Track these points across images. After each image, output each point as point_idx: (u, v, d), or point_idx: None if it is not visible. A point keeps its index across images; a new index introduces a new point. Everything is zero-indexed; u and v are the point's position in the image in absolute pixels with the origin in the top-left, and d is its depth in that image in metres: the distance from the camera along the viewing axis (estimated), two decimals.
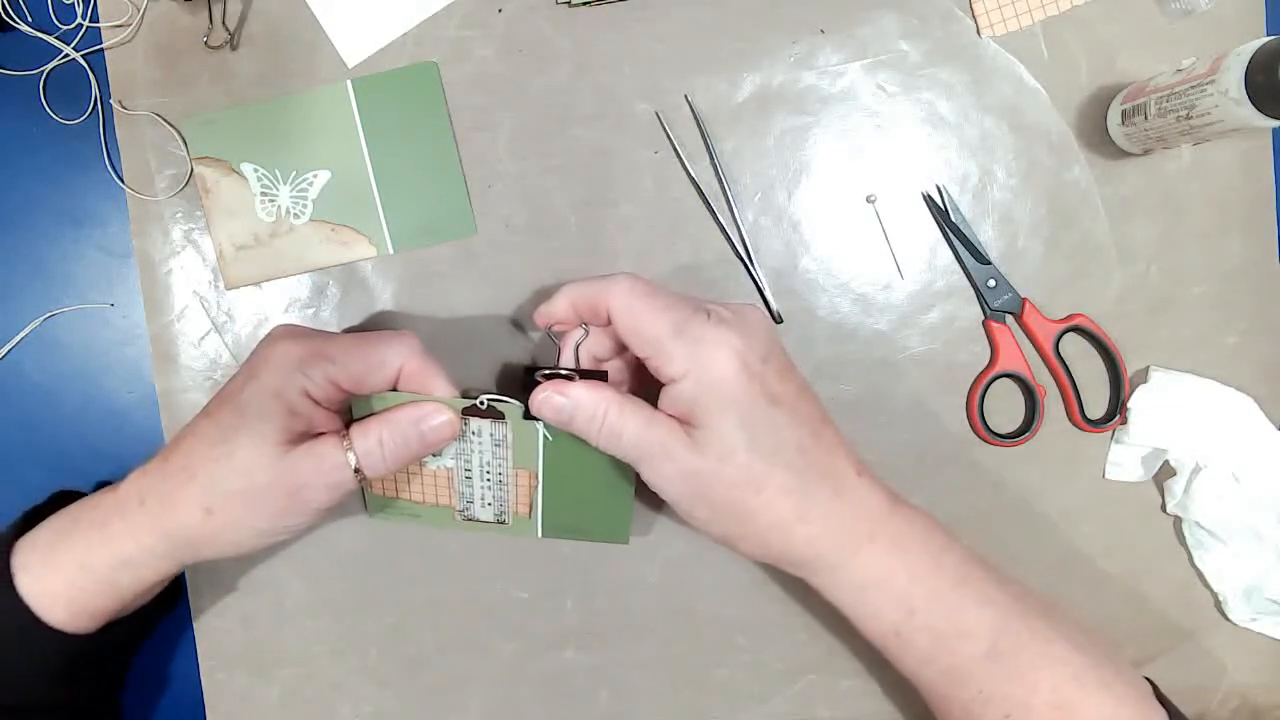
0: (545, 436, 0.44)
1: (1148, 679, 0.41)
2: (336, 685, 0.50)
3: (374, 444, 0.40)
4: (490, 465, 0.46)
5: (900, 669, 0.42)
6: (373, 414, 0.42)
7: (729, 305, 0.41)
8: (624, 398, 0.39)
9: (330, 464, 0.40)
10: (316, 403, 0.40)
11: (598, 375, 0.41)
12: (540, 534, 0.47)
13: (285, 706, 0.50)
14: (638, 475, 0.41)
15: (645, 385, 0.41)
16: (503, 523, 0.47)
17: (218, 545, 0.40)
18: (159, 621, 0.49)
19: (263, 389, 0.39)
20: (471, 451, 0.45)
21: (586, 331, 0.42)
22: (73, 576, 0.41)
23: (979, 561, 0.41)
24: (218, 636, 0.50)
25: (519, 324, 0.49)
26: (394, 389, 0.42)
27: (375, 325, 0.49)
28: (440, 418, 0.41)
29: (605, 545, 0.49)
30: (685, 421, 0.39)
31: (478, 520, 0.47)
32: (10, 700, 0.42)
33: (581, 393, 0.39)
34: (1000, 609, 0.40)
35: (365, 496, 0.48)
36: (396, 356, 0.41)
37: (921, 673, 0.41)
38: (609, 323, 0.40)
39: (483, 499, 0.47)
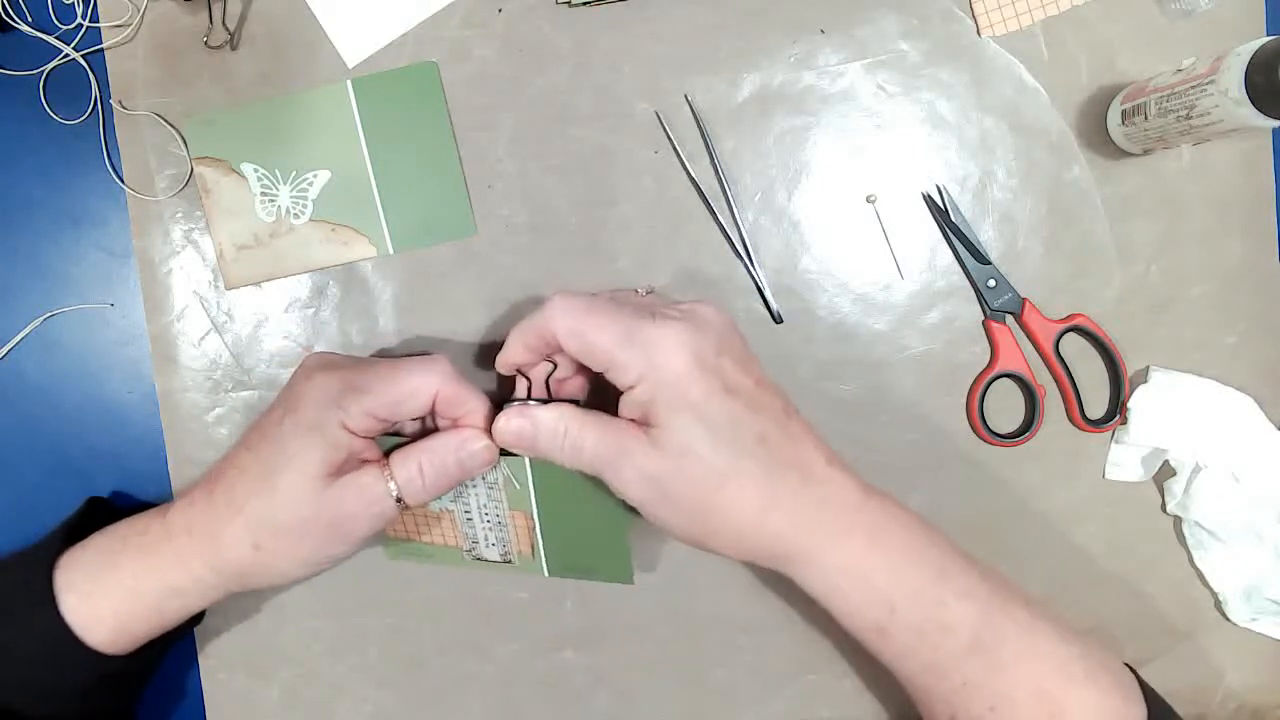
0: (532, 479, 0.43)
1: (1128, 665, 0.41)
2: (336, 685, 0.50)
3: (414, 472, 0.40)
4: (487, 507, 0.45)
5: (881, 660, 0.41)
6: (411, 442, 0.42)
7: (679, 304, 0.40)
8: (584, 412, 0.39)
9: (373, 494, 0.40)
10: (354, 434, 0.40)
11: (571, 404, 0.41)
12: (547, 573, 0.47)
13: (285, 706, 0.50)
14: (636, 514, 0.40)
15: (611, 400, 0.40)
16: (509, 562, 0.47)
17: (266, 577, 0.41)
18: (184, 637, 0.49)
19: (301, 424, 0.40)
20: (469, 494, 0.45)
21: (555, 365, 0.42)
22: (120, 601, 0.41)
23: (958, 553, 0.41)
24: (218, 636, 0.50)
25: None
26: (431, 415, 0.43)
27: (377, 325, 0.49)
28: (478, 444, 0.41)
29: None
30: (644, 424, 0.38)
31: (485, 560, 0.47)
32: (40, 714, 0.42)
33: (542, 412, 0.39)
34: (982, 602, 0.39)
35: (382, 538, 0.49)
36: (430, 384, 0.41)
37: (903, 666, 0.41)
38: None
39: (486, 540, 0.46)
